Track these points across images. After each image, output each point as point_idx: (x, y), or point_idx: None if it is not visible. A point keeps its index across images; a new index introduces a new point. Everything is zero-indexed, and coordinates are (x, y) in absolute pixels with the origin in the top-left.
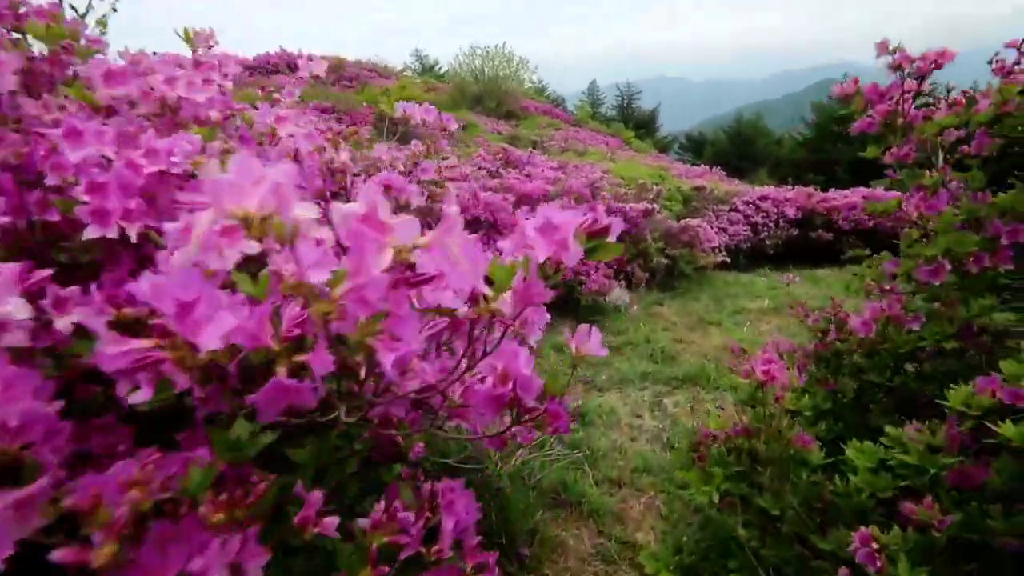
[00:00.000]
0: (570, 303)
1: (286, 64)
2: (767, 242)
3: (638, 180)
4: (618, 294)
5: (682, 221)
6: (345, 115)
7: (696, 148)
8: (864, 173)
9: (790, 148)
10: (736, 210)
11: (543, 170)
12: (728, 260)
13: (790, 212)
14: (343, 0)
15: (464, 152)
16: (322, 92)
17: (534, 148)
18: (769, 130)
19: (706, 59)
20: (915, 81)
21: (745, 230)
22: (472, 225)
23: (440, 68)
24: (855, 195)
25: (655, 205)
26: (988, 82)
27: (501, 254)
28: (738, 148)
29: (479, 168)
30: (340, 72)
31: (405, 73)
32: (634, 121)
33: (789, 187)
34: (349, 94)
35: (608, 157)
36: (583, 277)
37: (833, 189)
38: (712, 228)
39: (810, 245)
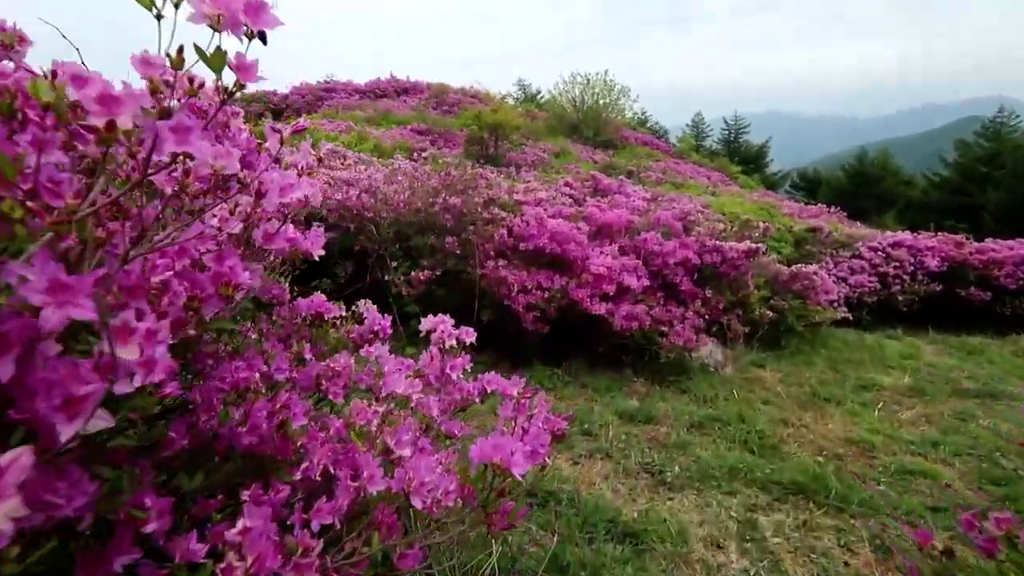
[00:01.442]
0: (647, 357)
1: (394, 90)
2: (899, 297)
3: (741, 216)
4: (709, 351)
5: (794, 267)
6: (439, 137)
7: (809, 187)
8: (1019, 220)
9: (923, 190)
10: (860, 257)
11: (633, 200)
12: (849, 316)
13: (932, 263)
14: (462, 30)
15: (551, 178)
16: (421, 116)
17: (628, 177)
18: (899, 169)
19: (825, 93)
20: None
21: (871, 281)
22: (534, 257)
23: (542, 97)
24: None
25: (761, 245)
26: None
27: None
28: (859, 188)
29: (562, 194)
30: (443, 97)
31: (506, 100)
32: (740, 156)
33: (931, 234)
34: (447, 118)
35: (709, 191)
36: (664, 327)
37: (990, 239)
38: (829, 276)
39: (957, 305)
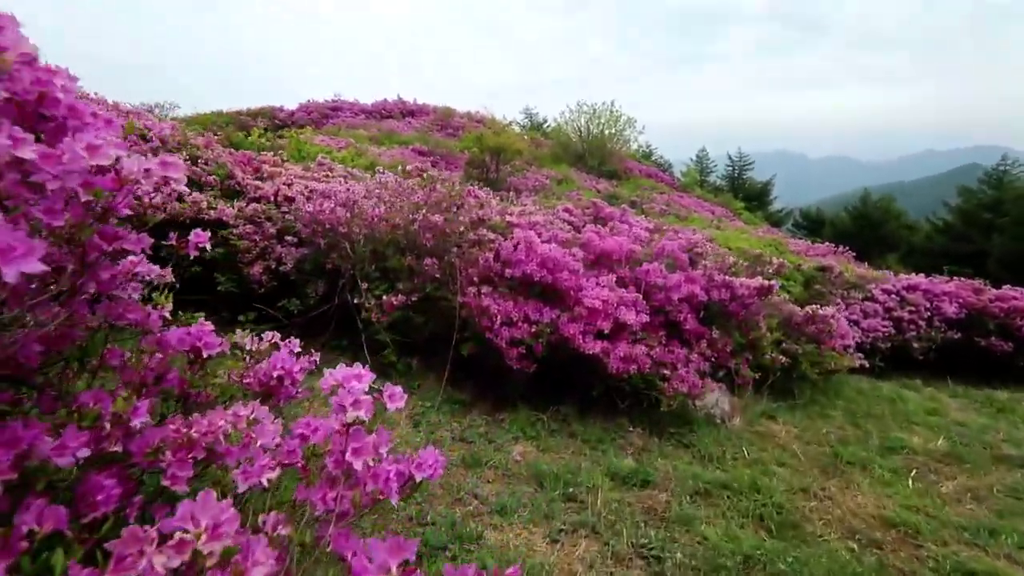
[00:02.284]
0: (645, 404)
1: (399, 111)
2: (915, 344)
3: (750, 251)
4: (715, 399)
5: (808, 308)
6: (441, 159)
7: (812, 226)
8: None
9: (927, 235)
10: (873, 300)
11: (635, 229)
12: (865, 363)
13: (949, 310)
14: (478, 59)
15: (551, 204)
16: (424, 137)
17: (631, 208)
18: (901, 212)
19: (829, 135)
20: None
21: (885, 326)
22: (522, 286)
23: (548, 126)
24: None
25: (774, 283)
26: None
27: None
28: (863, 230)
29: (560, 219)
30: (448, 121)
31: (512, 127)
32: (744, 192)
33: (946, 278)
34: (450, 141)
35: (713, 225)
36: (665, 371)
37: (1008, 286)
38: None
39: (976, 354)
